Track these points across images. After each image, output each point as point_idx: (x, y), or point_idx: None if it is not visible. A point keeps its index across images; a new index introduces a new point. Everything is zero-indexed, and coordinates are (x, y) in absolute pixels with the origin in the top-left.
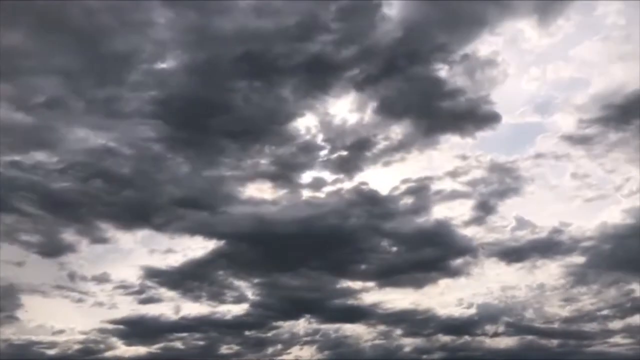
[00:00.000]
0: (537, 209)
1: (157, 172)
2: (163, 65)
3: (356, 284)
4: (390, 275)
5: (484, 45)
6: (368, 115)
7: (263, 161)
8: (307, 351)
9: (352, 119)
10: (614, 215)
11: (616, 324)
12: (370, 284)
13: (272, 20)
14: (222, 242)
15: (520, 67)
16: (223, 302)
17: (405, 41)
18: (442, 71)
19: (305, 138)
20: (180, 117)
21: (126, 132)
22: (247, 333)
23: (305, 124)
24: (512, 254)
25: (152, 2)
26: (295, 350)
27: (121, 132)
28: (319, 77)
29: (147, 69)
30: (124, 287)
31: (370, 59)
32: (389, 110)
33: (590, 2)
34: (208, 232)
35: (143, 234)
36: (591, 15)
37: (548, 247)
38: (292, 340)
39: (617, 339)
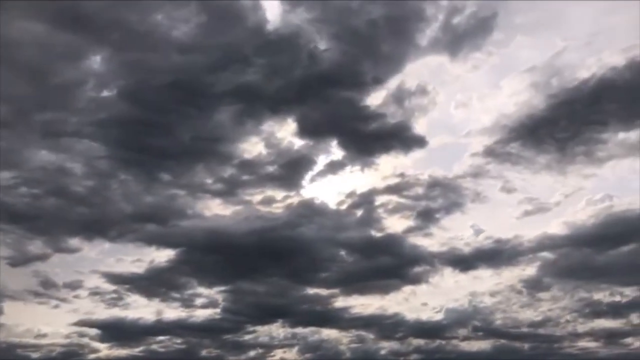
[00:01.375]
0: (482, 221)
1: (107, 189)
2: (106, 93)
3: (322, 291)
4: (351, 282)
5: (411, 76)
6: (307, 137)
7: (209, 180)
8: (290, 354)
9: (293, 140)
10: (553, 226)
11: (581, 327)
12: (335, 290)
13: (200, 55)
14: (175, 252)
15: (446, 95)
16: (193, 306)
17: (338, 72)
18: (375, 99)
19: (248, 158)
20: (125, 139)
21: (77, 153)
22: (225, 337)
23: (247, 146)
24: (466, 262)
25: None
26: (279, 353)
27: (72, 152)
28: (254, 104)
29: (92, 96)
30: (97, 293)
31: (304, 89)
32: (325, 133)
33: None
34: (162, 242)
35: (102, 245)
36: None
37: (499, 256)
38: (272, 344)
39: (584, 343)
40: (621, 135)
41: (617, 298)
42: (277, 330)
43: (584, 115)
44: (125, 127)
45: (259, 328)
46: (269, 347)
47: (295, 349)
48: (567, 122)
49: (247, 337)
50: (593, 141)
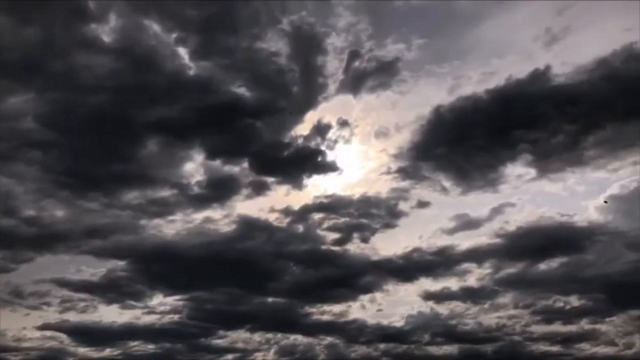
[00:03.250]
0: (415, 234)
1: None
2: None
3: (279, 300)
4: (305, 291)
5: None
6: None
7: (143, 201)
8: (269, 357)
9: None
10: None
11: (537, 332)
12: (292, 299)
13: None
14: (124, 263)
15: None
16: (157, 313)
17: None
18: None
19: (180, 181)
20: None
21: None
22: (198, 340)
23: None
24: (405, 272)
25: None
26: (258, 356)
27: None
28: (176, 136)
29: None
30: (64, 300)
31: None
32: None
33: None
34: (108, 255)
35: (57, 257)
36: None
37: (436, 266)
38: (247, 348)
39: (544, 347)
40: None
41: (560, 304)
42: (245, 334)
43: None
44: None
45: (230, 333)
46: (246, 351)
47: (272, 351)
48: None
49: (218, 341)
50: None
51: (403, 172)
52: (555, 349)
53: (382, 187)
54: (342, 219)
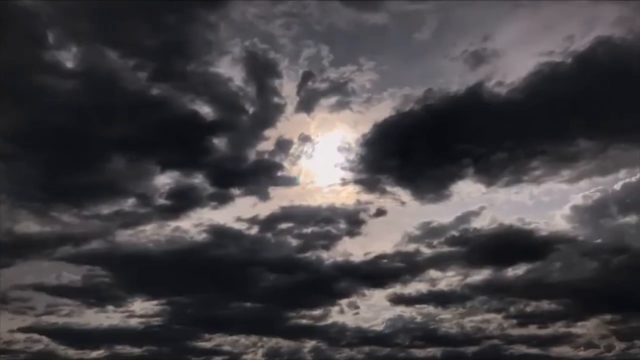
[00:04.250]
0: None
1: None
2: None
3: (257, 305)
4: (282, 297)
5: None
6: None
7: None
8: (258, 358)
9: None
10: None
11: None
12: (270, 304)
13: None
14: (99, 268)
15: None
16: (138, 316)
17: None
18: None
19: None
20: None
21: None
22: (185, 343)
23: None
24: (378, 278)
25: None
26: (248, 358)
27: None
28: (138, 152)
29: None
30: (49, 305)
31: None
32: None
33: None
34: (80, 261)
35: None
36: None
37: (405, 272)
38: (235, 350)
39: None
40: None
41: (532, 309)
42: (230, 337)
43: None
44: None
45: (215, 336)
46: (232, 354)
47: (260, 352)
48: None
49: (204, 344)
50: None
51: (362, 184)
52: (534, 351)
53: (345, 198)
54: (310, 228)
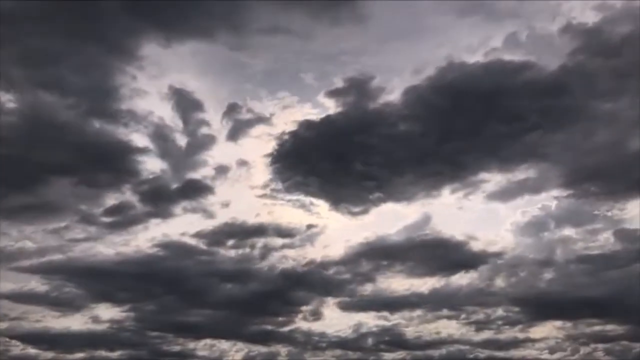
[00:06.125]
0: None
1: None
2: None
3: (221, 312)
4: (243, 304)
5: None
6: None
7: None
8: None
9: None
10: None
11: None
12: (233, 312)
13: None
14: (60, 277)
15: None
16: (104, 322)
17: None
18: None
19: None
20: None
21: None
22: (161, 347)
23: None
24: (328, 286)
25: None
26: None
27: None
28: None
29: None
30: (19, 312)
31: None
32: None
33: None
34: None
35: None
36: None
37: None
38: (213, 355)
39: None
40: None
41: (483, 315)
42: (204, 342)
43: None
44: None
45: (187, 340)
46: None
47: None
48: None
49: (176, 347)
50: None
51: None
52: (500, 354)
53: (279, 212)
54: (257, 240)
